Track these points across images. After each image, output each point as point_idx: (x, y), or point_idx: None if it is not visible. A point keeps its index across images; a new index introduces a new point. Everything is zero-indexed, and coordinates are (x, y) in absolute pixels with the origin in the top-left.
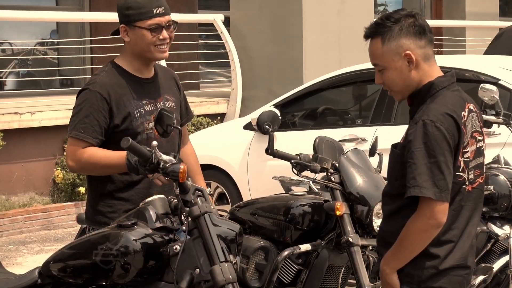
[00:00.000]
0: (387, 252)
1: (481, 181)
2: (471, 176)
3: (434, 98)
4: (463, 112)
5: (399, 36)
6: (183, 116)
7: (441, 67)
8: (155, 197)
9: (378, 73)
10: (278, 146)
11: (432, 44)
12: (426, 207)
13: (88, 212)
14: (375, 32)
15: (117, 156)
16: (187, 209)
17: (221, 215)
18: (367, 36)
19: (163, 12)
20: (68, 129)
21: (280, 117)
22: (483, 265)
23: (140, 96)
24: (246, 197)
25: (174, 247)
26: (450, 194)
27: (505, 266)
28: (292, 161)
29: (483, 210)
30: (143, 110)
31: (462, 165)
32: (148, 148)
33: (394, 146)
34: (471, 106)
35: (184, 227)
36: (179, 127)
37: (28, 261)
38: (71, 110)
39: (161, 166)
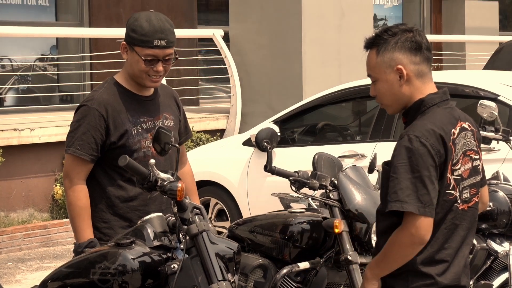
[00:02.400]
0: (373, 258)
1: (477, 200)
2: (466, 195)
3: (424, 115)
4: (453, 130)
5: (394, 50)
6: (182, 135)
7: (440, 83)
8: (153, 215)
9: (372, 84)
10: (277, 162)
11: (428, 62)
12: (410, 223)
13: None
14: (372, 43)
15: (83, 229)
16: (185, 227)
17: (219, 232)
18: (365, 46)
19: (164, 46)
20: (66, 145)
21: (279, 134)
22: (482, 282)
23: (139, 113)
24: (245, 213)
25: (172, 266)
26: (436, 210)
27: (505, 283)
28: (291, 178)
29: (483, 227)
30: (140, 128)
31: (453, 182)
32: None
33: (385, 164)
34: (465, 125)
35: (182, 246)
36: (177, 145)
37: (27, 279)
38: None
39: (159, 184)
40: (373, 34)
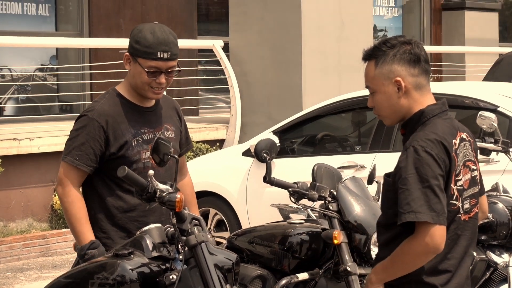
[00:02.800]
0: (379, 263)
1: (477, 210)
2: (466, 206)
3: (424, 126)
4: (454, 140)
5: (392, 62)
6: (183, 146)
7: (440, 94)
8: (151, 226)
9: (370, 96)
10: (277, 172)
11: (427, 74)
12: (424, 232)
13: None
14: (371, 54)
15: (83, 233)
16: (184, 238)
17: (218, 243)
18: (363, 58)
19: (167, 58)
20: (63, 153)
21: (279, 144)
22: None
23: (139, 124)
24: (244, 224)
25: (171, 277)
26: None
27: None
28: (290, 189)
29: (482, 238)
30: (141, 139)
31: (456, 193)
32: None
33: (387, 175)
34: (464, 135)
35: (181, 257)
36: (176, 156)
37: None
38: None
39: (157, 195)
40: (372, 46)
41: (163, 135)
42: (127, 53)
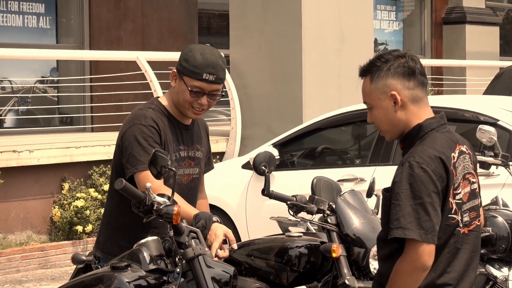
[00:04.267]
0: None
1: (478, 223)
2: (466, 219)
3: (423, 140)
4: (452, 154)
5: (387, 76)
6: (205, 166)
7: (440, 107)
8: (149, 238)
9: (368, 111)
10: (277, 185)
11: (423, 86)
12: (412, 249)
13: (103, 242)
14: (366, 70)
15: (187, 211)
16: (181, 251)
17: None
18: (360, 74)
19: (212, 81)
20: (133, 165)
21: (278, 157)
22: None
23: (179, 141)
24: (244, 236)
25: None
26: (438, 235)
27: None
28: (288, 202)
29: (482, 252)
30: (178, 155)
31: (454, 207)
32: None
33: (385, 190)
34: (463, 148)
35: (178, 269)
36: (173, 169)
37: None
38: (70, 149)
39: (155, 208)
40: (367, 62)
41: (193, 155)
42: (174, 70)
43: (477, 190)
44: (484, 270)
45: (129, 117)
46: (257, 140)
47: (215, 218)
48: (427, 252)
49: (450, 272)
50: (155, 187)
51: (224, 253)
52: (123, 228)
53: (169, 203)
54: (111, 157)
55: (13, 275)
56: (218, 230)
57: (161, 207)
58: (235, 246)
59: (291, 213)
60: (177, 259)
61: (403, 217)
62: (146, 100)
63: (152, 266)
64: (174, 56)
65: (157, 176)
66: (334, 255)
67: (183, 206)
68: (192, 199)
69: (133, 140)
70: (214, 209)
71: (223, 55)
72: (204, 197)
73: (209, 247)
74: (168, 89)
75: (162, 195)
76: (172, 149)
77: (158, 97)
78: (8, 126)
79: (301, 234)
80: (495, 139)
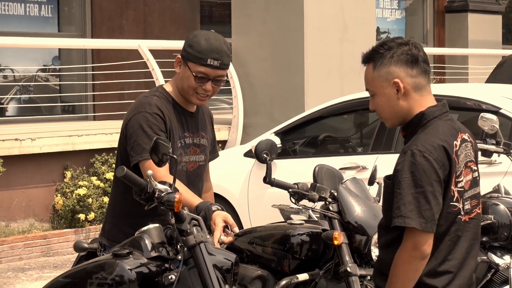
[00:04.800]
0: None
1: (478, 211)
2: (467, 207)
3: (425, 128)
4: (455, 142)
5: (390, 63)
6: (210, 154)
7: (442, 96)
8: (150, 226)
9: (371, 98)
10: (279, 173)
11: (426, 74)
12: (410, 238)
13: (109, 229)
14: (369, 57)
15: (189, 201)
16: (183, 238)
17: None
18: (363, 61)
19: (217, 66)
20: (137, 153)
21: (280, 145)
22: None
23: (184, 128)
24: (246, 224)
25: (170, 277)
26: (440, 223)
27: None
28: (290, 190)
29: (483, 239)
30: (183, 142)
31: (456, 194)
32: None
33: (387, 178)
34: (465, 136)
35: (179, 257)
36: (174, 156)
37: None
38: (73, 137)
39: (156, 196)
40: (370, 49)
41: (199, 142)
42: (179, 56)
43: (478, 178)
44: (486, 258)
45: (134, 105)
46: (259, 128)
47: (214, 207)
48: (425, 241)
49: (451, 259)
50: (160, 175)
51: (228, 238)
52: (129, 215)
53: (171, 191)
54: (114, 145)
55: (15, 263)
56: (217, 218)
57: (162, 194)
58: (236, 229)
59: (293, 200)
60: (178, 246)
61: (403, 206)
62: (148, 89)
63: (153, 254)
64: (176, 44)
65: (159, 164)
66: (336, 242)
67: (185, 194)
68: (198, 187)
69: (138, 128)
70: (217, 197)
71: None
72: (209, 187)
73: (211, 235)
74: (169, 78)
75: (163, 183)
76: (177, 136)
77: (163, 84)
78: (10, 114)
79: (303, 221)
80: (497, 127)
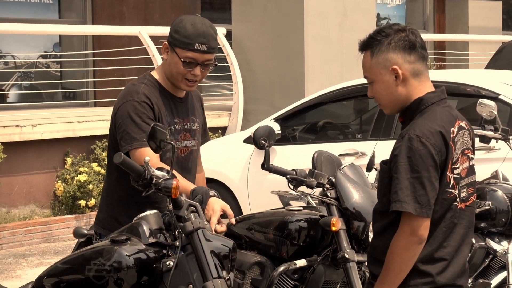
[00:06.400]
0: (378, 279)
1: (474, 199)
2: (464, 194)
3: (423, 114)
4: (452, 128)
5: (387, 50)
6: (201, 137)
7: (442, 82)
8: (148, 212)
9: (369, 86)
10: (279, 159)
11: (424, 60)
12: (407, 223)
13: (104, 218)
14: (366, 45)
15: (185, 186)
16: (181, 224)
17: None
18: (360, 49)
19: (205, 50)
20: (127, 143)
21: (279, 132)
22: (481, 281)
23: (173, 114)
24: (246, 211)
25: (167, 263)
26: (435, 209)
27: (503, 282)
28: (288, 176)
29: (482, 225)
30: (173, 128)
31: (452, 181)
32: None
33: (383, 162)
34: (463, 124)
35: (177, 243)
36: (172, 142)
37: (28, 274)
38: (73, 123)
39: (154, 182)
40: (367, 36)
41: (189, 127)
42: (166, 42)
43: (474, 166)
44: (484, 243)
45: (122, 93)
46: (259, 115)
47: (211, 193)
48: (422, 225)
49: (446, 246)
50: (153, 164)
51: (222, 227)
52: (123, 204)
53: (168, 177)
54: None
55: (16, 249)
56: (216, 205)
57: (160, 180)
58: (233, 221)
59: (291, 187)
60: (176, 232)
61: (401, 190)
62: None
63: (151, 240)
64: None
65: (156, 150)
66: (333, 228)
67: (180, 181)
68: (190, 172)
69: (127, 117)
70: (216, 183)
71: (225, 30)
72: (201, 170)
73: (208, 222)
74: None
75: (161, 169)
76: (166, 123)
77: (151, 71)
78: (11, 101)
79: (301, 208)
80: (495, 113)
